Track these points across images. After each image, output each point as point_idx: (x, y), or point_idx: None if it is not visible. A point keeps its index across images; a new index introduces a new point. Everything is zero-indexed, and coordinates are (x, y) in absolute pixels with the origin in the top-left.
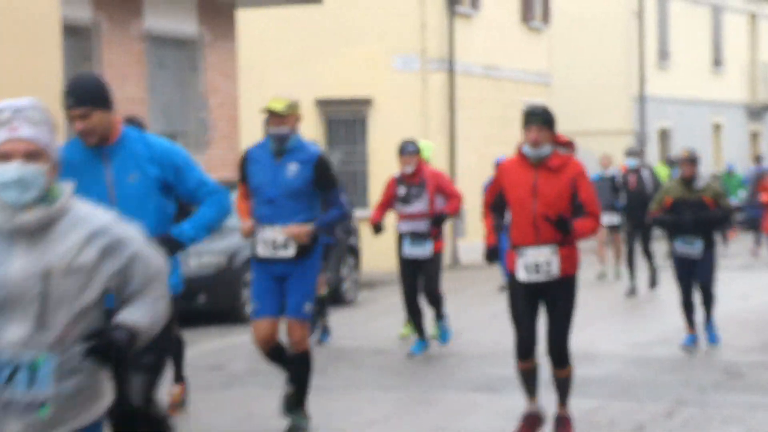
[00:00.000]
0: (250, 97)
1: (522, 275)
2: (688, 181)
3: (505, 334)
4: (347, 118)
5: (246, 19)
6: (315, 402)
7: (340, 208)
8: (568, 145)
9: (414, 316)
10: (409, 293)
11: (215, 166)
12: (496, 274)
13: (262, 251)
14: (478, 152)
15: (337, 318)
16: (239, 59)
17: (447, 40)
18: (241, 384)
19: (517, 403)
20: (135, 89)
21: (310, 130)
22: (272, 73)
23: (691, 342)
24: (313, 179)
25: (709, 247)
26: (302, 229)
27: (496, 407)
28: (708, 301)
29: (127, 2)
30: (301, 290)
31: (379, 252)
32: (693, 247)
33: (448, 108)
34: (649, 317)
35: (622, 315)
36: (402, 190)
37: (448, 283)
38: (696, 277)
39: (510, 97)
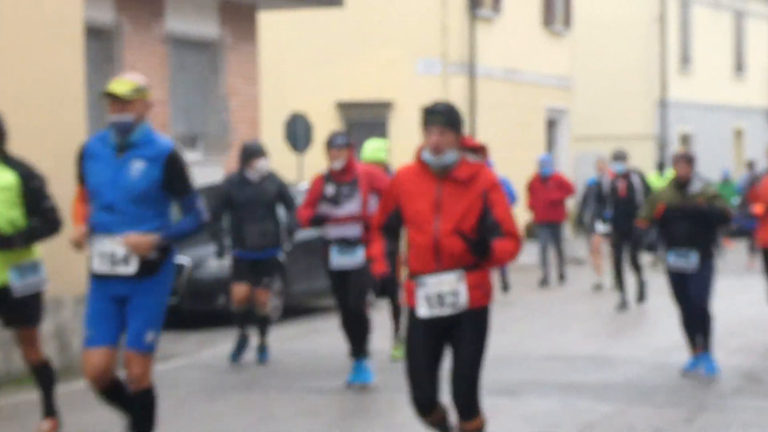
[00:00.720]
0: (270, 100)
1: (423, 310)
2: (681, 184)
3: (524, 338)
4: (368, 121)
5: (267, 21)
6: (333, 405)
7: (196, 216)
8: (480, 150)
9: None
10: (346, 314)
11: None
12: (520, 277)
13: (99, 266)
14: (498, 156)
15: None
16: (260, 62)
17: (468, 43)
18: (260, 386)
19: (537, 408)
20: (156, 91)
21: None
22: (293, 75)
23: (695, 365)
24: (162, 180)
25: (706, 259)
26: (144, 239)
27: (517, 411)
28: (703, 322)
29: (149, 4)
30: (142, 316)
31: None
32: (688, 261)
33: (469, 111)
34: (668, 322)
35: (640, 320)
36: (330, 190)
37: None
38: (690, 296)
39: (531, 101)
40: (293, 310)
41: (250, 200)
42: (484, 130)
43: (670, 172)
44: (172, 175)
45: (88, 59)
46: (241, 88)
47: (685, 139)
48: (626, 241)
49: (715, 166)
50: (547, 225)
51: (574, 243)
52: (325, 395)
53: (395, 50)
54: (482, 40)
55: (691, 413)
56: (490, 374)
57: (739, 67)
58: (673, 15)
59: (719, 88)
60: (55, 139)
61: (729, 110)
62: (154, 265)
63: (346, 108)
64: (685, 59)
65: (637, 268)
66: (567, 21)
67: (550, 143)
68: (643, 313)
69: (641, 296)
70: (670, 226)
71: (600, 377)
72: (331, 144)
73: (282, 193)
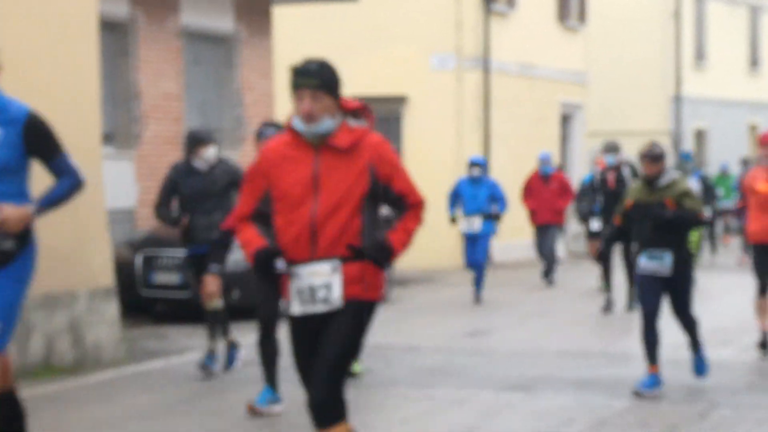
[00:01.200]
0: (285, 95)
1: (296, 307)
2: (650, 181)
3: (537, 334)
4: (382, 117)
5: (282, 16)
6: (348, 398)
7: (72, 176)
8: (362, 112)
9: (265, 356)
10: (266, 317)
11: (250, 162)
12: (530, 274)
13: None
14: (513, 151)
15: None
16: (275, 56)
17: (483, 38)
18: None
19: (550, 403)
20: (171, 85)
21: None
22: None
23: (653, 385)
24: (25, 147)
25: (682, 261)
26: (19, 211)
27: (529, 407)
28: (690, 326)
29: None
30: None
31: (412, 250)
32: (661, 263)
33: (483, 107)
34: None
35: None
36: None
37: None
38: (669, 302)
39: (545, 97)
40: None
41: (197, 191)
42: (498, 125)
43: None
44: (35, 138)
45: (102, 53)
46: (255, 82)
47: (700, 135)
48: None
49: (731, 162)
50: (549, 227)
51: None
52: None
53: (409, 45)
54: (497, 36)
55: (705, 409)
56: (503, 369)
57: (755, 62)
58: (688, 10)
59: (734, 83)
60: (69, 133)
61: (744, 106)
62: (9, 255)
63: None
64: (700, 55)
65: (629, 267)
66: (582, 16)
67: (565, 138)
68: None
69: (630, 303)
70: (638, 225)
71: (613, 373)
72: (260, 136)
73: (236, 182)
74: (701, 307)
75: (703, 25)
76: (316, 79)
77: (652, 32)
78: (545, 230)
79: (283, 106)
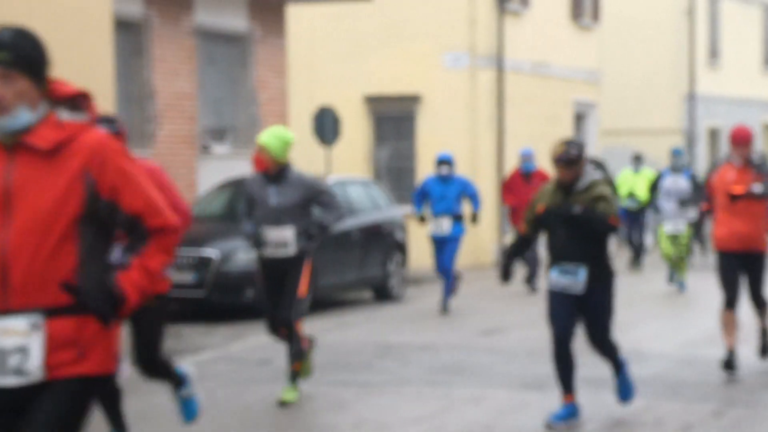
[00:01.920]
0: (299, 93)
1: None
2: (566, 186)
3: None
4: (396, 115)
5: (296, 14)
6: (361, 397)
7: None
8: (81, 101)
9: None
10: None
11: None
12: (542, 273)
13: None
14: None
15: (383, 314)
16: (289, 55)
17: (496, 37)
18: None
19: None
20: (185, 84)
21: (359, 127)
22: (321, 69)
23: (568, 416)
24: None
25: (599, 279)
26: None
27: (545, 405)
28: (609, 353)
29: None
30: None
31: (426, 249)
32: (575, 279)
33: (497, 105)
34: (698, 317)
35: (670, 314)
36: None
37: (493, 281)
38: (584, 327)
39: (559, 95)
40: (322, 304)
41: None
42: (511, 123)
43: (647, 171)
44: None
45: (117, 52)
46: (269, 81)
47: (713, 134)
48: None
49: None
50: None
51: None
52: (353, 388)
53: (423, 44)
54: (510, 34)
55: (720, 408)
56: (519, 367)
57: None
58: (701, 8)
59: (748, 82)
60: None
61: (758, 104)
62: None
63: (373, 102)
64: (714, 53)
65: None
66: (595, 15)
67: (578, 137)
68: (670, 308)
69: None
70: (551, 234)
71: None
72: None
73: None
74: (713, 304)
75: (716, 24)
76: (8, 53)
77: (666, 31)
78: None
79: (298, 105)
